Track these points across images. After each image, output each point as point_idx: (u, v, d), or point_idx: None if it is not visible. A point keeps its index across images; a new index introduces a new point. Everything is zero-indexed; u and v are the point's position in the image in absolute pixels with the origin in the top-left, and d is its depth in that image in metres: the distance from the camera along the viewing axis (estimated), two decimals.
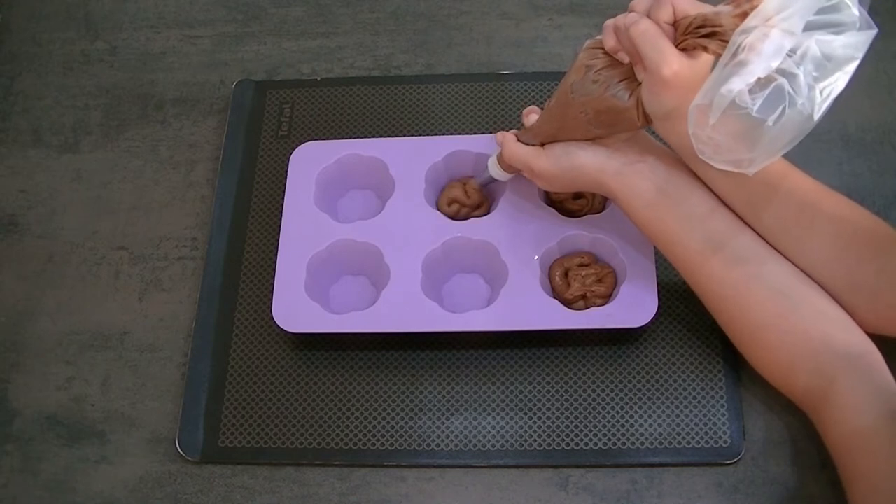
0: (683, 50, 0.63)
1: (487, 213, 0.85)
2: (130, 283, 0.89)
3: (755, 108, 0.57)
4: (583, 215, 0.83)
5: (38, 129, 0.99)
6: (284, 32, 1.02)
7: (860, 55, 0.57)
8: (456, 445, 0.79)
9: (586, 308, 0.80)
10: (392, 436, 0.80)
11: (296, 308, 0.81)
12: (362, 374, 0.82)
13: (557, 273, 0.81)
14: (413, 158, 0.86)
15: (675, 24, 0.64)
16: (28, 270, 0.91)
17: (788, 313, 0.70)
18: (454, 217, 0.84)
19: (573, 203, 0.83)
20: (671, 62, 0.63)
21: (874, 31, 0.57)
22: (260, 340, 0.84)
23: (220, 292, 0.87)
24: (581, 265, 0.81)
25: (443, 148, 0.86)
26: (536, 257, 0.80)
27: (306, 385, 0.82)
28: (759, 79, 0.57)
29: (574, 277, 0.81)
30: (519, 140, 0.77)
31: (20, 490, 0.81)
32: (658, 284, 0.78)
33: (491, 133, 0.91)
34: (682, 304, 0.82)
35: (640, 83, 0.66)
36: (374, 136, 0.92)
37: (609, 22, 0.67)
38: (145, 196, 0.94)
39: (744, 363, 0.76)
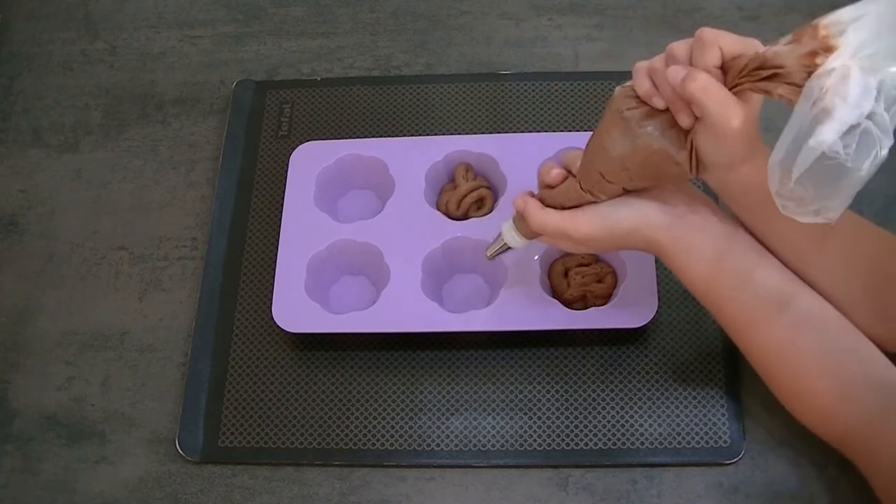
0: (736, 93, 0.59)
1: (489, 213, 0.85)
2: (130, 283, 0.89)
3: (850, 158, 0.53)
4: None
5: (38, 129, 0.99)
6: (284, 32, 1.02)
7: None
8: (456, 445, 0.79)
9: (586, 308, 0.80)
10: (392, 436, 0.80)
11: (296, 308, 0.81)
12: (362, 374, 0.82)
13: (557, 273, 0.81)
14: (413, 158, 0.86)
15: (723, 66, 0.60)
16: (28, 270, 0.91)
17: (836, 363, 0.67)
18: (454, 217, 0.84)
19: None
20: (738, 114, 0.59)
21: None
22: (260, 340, 0.84)
23: (220, 292, 0.87)
24: (581, 265, 0.81)
25: (443, 148, 0.86)
26: (536, 257, 0.80)
27: (306, 385, 0.82)
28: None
29: (574, 277, 0.81)
30: (545, 204, 0.70)
31: (20, 490, 0.81)
32: (658, 285, 0.78)
33: (491, 133, 0.91)
34: (682, 304, 0.82)
35: (689, 131, 0.62)
36: (374, 136, 0.92)
37: (641, 65, 0.63)
38: (145, 196, 0.94)
39: (744, 363, 0.76)
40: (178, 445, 0.80)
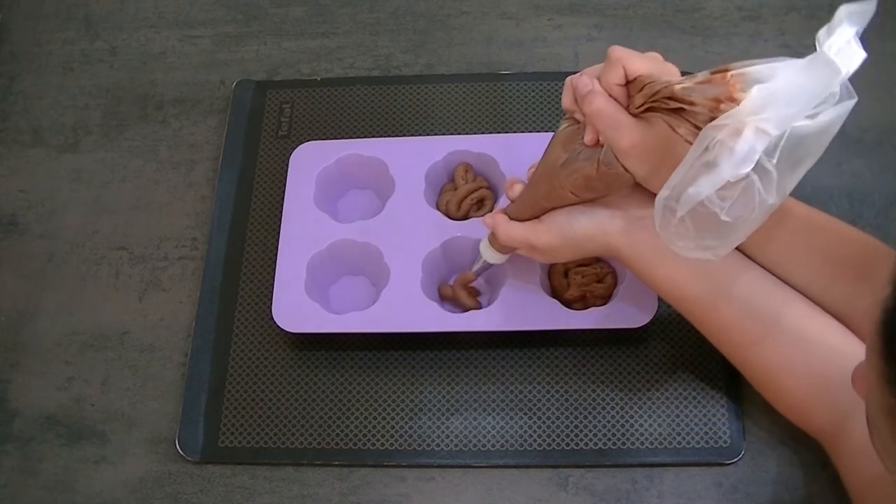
0: (647, 111, 0.60)
1: (489, 213, 0.84)
2: (130, 283, 0.89)
3: (724, 211, 0.55)
4: None
5: (38, 129, 0.99)
6: (284, 32, 1.02)
7: (836, 129, 0.55)
8: (456, 445, 0.79)
9: (586, 308, 0.80)
10: (392, 436, 0.80)
11: (296, 308, 0.81)
12: (362, 374, 0.82)
13: (557, 273, 0.81)
14: (413, 158, 0.86)
15: (628, 84, 0.62)
16: (28, 270, 0.91)
17: (805, 356, 0.68)
18: (454, 218, 0.84)
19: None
20: (626, 136, 0.62)
21: (853, 101, 0.55)
22: (260, 340, 0.84)
23: (220, 292, 0.87)
24: (581, 265, 0.81)
25: (443, 148, 0.86)
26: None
27: (306, 385, 0.82)
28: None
29: (574, 277, 0.81)
30: (510, 217, 0.73)
31: (20, 490, 0.81)
32: None
33: (491, 133, 0.91)
34: None
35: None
36: (374, 136, 0.92)
37: (568, 80, 0.66)
38: (145, 196, 0.94)
39: None
40: (178, 445, 0.80)
